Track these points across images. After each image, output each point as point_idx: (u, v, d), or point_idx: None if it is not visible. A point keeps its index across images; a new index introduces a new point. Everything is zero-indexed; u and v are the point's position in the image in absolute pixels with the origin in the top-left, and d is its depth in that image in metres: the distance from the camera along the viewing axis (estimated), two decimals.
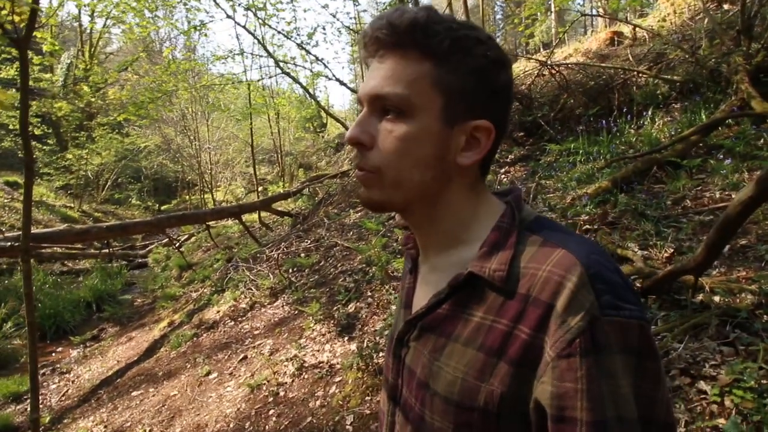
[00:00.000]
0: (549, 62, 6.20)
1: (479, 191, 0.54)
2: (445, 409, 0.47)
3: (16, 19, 1.61)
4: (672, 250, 2.51)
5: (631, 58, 6.15)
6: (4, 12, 1.59)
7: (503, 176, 4.90)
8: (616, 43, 7.87)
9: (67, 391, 3.99)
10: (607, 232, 2.88)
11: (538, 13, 6.86)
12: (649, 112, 4.62)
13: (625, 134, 4.54)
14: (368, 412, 2.36)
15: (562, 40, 9.64)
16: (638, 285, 2.26)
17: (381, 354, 2.68)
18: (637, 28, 7.27)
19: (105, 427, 3.11)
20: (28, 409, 3.53)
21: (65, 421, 3.40)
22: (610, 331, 0.40)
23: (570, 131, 5.28)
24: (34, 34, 1.60)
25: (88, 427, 3.16)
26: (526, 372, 0.43)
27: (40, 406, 3.01)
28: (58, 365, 4.60)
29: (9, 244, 4.38)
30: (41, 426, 2.51)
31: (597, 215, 3.10)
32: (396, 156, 0.48)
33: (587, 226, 3.02)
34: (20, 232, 2.32)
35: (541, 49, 14.93)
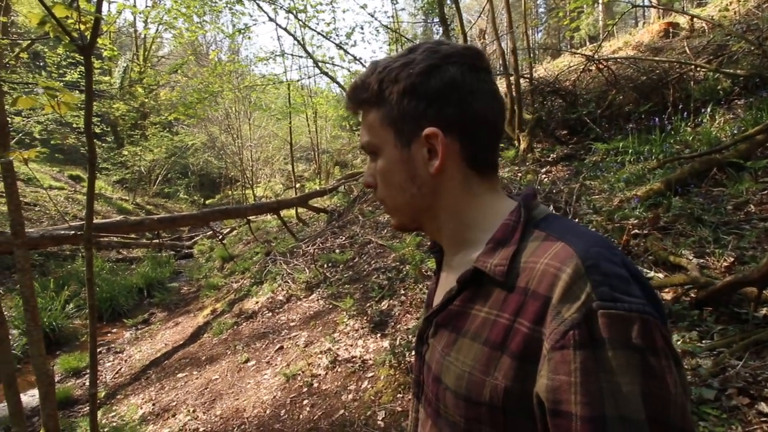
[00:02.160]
0: (596, 57, 5.91)
1: (477, 192, 0.55)
2: (456, 403, 0.49)
3: (82, 27, 1.73)
4: (732, 259, 2.33)
5: (688, 51, 5.74)
6: (70, 21, 1.71)
7: (544, 176, 4.73)
8: (671, 35, 7.38)
9: (120, 369, 4.30)
10: (659, 238, 2.72)
11: (585, 5, 6.55)
12: (709, 109, 4.31)
13: (681, 133, 4.26)
14: (400, 409, 2.37)
15: (611, 33, 9.16)
16: (692, 295, 2.13)
17: (413, 352, 2.68)
18: (695, 19, 6.77)
19: (153, 404, 3.32)
20: (87, 383, 3.84)
21: (118, 396, 3.67)
22: (607, 324, 0.39)
23: (618, 129, 5.02)
24: (97, 40, 1.73)
25: (138, 404, 3.39)
26: (529, 367, 0.43)
27: (97, 381, 3.26)
28: (113, 345, 4.96)
29: (73, 232, 4.77)
30: (98, 400, 2.72)
31: (648, 219, 2.93)
32: (383, 188, 0.58)
33: (636, 231, 2.86)
34: (83, 222, 2.52)
35: (587, 43, 14.26)
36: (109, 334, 5.35)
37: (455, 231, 0.56)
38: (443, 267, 0.63)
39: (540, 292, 0.43)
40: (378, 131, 0.55)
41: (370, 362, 2.87)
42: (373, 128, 0.56)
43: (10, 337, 1.85)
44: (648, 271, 2.49)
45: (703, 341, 1.87)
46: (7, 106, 1.74)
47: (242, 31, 7.11)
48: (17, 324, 4.55)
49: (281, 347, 3.56)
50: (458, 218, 0.56)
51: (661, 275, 2.42)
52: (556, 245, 0.45)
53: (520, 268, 0.47)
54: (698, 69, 4.97)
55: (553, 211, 0.55)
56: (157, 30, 14.95)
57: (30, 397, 3.49)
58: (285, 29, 7.10)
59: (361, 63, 7.24)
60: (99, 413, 2.98)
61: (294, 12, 6.60)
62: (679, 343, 1.86)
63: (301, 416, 2.59)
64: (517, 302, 0.45)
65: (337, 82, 7.84)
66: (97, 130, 11.17)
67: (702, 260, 2.40)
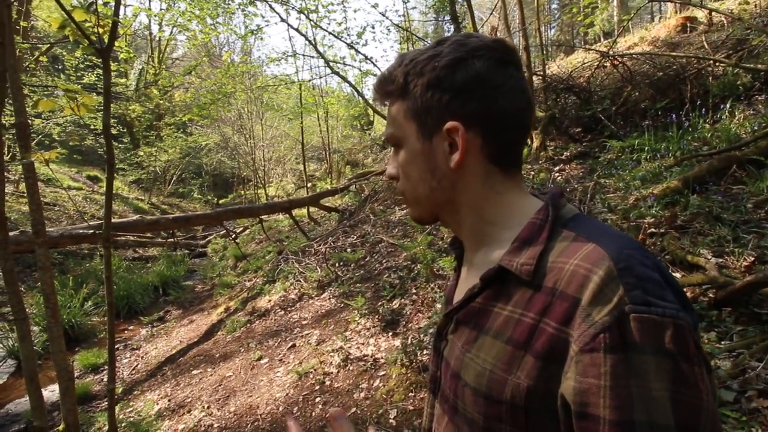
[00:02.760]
0: (611, 53, 5.81)
1: (499, 189, 0.54)
2: (475, 400, 0.48)
3: (100, 30, 1.77)
4: (753, 259, 2.27)
5: (706, 46, 5.61)
6: (88, 24, 1.75)
7: (557, 174, 4.68)
8: (688, 29, 7.21)
9: (137, 365, 4.39)
10: (676, 237, 2.66)
11: (599, 1, 6.44)
12: (728, 105, 4.20)
13: (699, 129, 4.17)
14: (411, 408, 2.38)
15: (626, 29, 8.99)
16: (711, 296, 2.08)
17: (425, 351, 2.68)
18: (713, 13, 6.61)
19: (169, 400, 3.38)
20: (105, 379, 3.94)
21: (135, 392, 3.75)
22: (639, 328, 0.38)
23: (634, 126, 4.93)
24: (114, 43, 1.76)
25: (155, 400, 3.45)
26: (554, 368, 0.42)
27: (115, 378, 3.34)
28: (130, 342, 5.07)
29: (92, 231, 4.89)
30: (115, 395, 2.80)
31: (664, 218, 2.87)
32: (404, 179, 0.58)
33: (652, 230, 2.80)
34: (102, 222, 2.58)
35: (602, 39, 14.02)
36: (125, 332, 5.47)
37: (476, 227, 0.56)
38: (464, 263, 0.63)
39: (569, 292, 0.43)
40: (401, 123, 0.56)
41: (382, 361, 2.88)
42: (397, 120, 0.56)
43: (31, 334, 1.90)
44: None
45: (722, 342, 1.83)
46: (28, 109, 1.79)
47: (254, 32, 7.18)
48: (38, 321, 4.68)
49: (294, 345, 3.59)
50: (479, 214, 0.55)
51: (678, 275, 2.37)
52: (587, 246, 0.45)
53: (547, 267, 0.46)
54: (717, 64, 4.85)
55: (581, 212, 0.53)
56: (171, 32, 15.23)
57: (50, 393, 3.59)
58: (297, 30, 7.15)
59: (372, 62, 7.25)
60: (116, 408, 3.05)
61: (306, 12, 6.65)
62: None
63: (313, 414, 2.61)
64: (544, 302, 0.44)
65: (349, 82, 7.87)
66: (114, 132, 11.41)
67: (721, 259, 2.35)
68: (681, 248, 2.49)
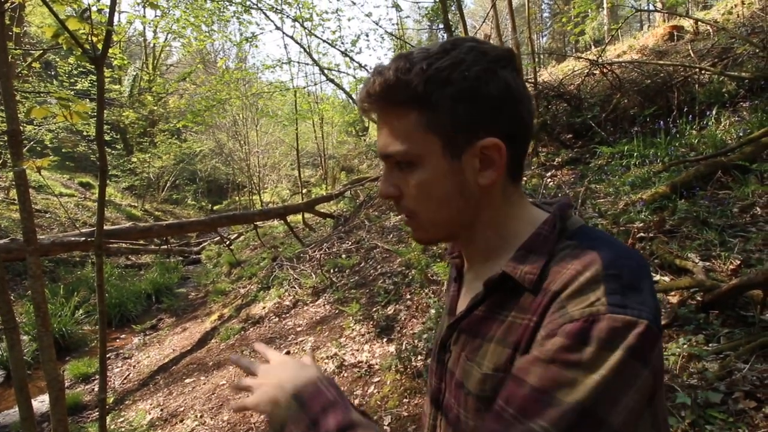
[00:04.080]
0: (600, 61, 5.92)
1: (513, 201, 0.53)
2: (478, 407, 0.48)
3: (94, 39, 1.78)
4: (738, 262, 2.32)
5: (692, 54, 5.73)
6: (82, 33, 1.77)
7: (549, 180, 4.73)
8: (675, 38, 7.37)
9: (128, 374, 4.34)
10: (665, 241, 2.70)
11: (589, 10, 6.57)
12: (714, 112, 4.29)
13: (686, 136, 4.25)
14: (406, 414, 2.38)
15: (615, 37, 9.15)
16: (698, 299, 2.11)
17: (419, 357, 2.68)
18: (699, 22, 6.76)
19: (161, 410, 3.34)
20: (96, 389, 3.89)
21: (126, 402, 3.70)
22: (610, 327, 0.38)
23: (623, 133, 5.01)
24: (108, 51, 1.78)
25: (147, 409, 3.41)
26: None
27: (106, 387, 3.30)
28: (122, 351, 5.01)
29: (83, 239, 4.85)
30: (106, 405, 2.77)
31: (653, 222, 2.92)
32: (421, 201, 0.51)
33: (642, 234, 2.85)
34: (94, 229, 2.56)
35: (592, 47, 14.24)
36: (117, 340, 5.41)
37: (490, 242, 0.54)
38: (466, 273, 0.62)
39: (553, 288, 0.44)
40: (419, 139, 0.49)
41: (377, 367, 2.88)
42: (412, 135, 0.49)
43: (21, 343, 1.88)
44: (654, 274, 2.48)
45: (710, 344, 1.86)
46: (20, 116, 1.79)
47: (249, 39, 7.22)
48: (27, 330, 4.61)
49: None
50: (496, 229, 0.54)
51: (666, 278, 2.40)
52: (585, 253, 0.45)
53: (548, 275, 0.47)
54: (703, 72, 4.96)
55: (586, 224, 0.53)
56: (166, 39, 15.23)
57: (40, 403, 3.53)
58: (291, 37, 7.20)
59: (367, 70, 7.31)
60: (108, 419, 3.01)
61: (300, 20, 6.70)
62: (685, 346, 1.85)
63: None
64: (538, 303, 0.45)
65: (343, 89, 7.92)
66: (107, 138, 11.36)
67: (708, 263, 2.39)
68: (669, 252, 2.54)
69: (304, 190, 11.96)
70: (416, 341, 2.84)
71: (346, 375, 2.91)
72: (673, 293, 2.24)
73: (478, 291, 0.54)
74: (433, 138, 0.48)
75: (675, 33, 7.45)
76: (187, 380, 3.76)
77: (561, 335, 0.40)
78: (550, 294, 0.44)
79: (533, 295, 0.46)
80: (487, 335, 0.50)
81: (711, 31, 6.50)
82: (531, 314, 0.46)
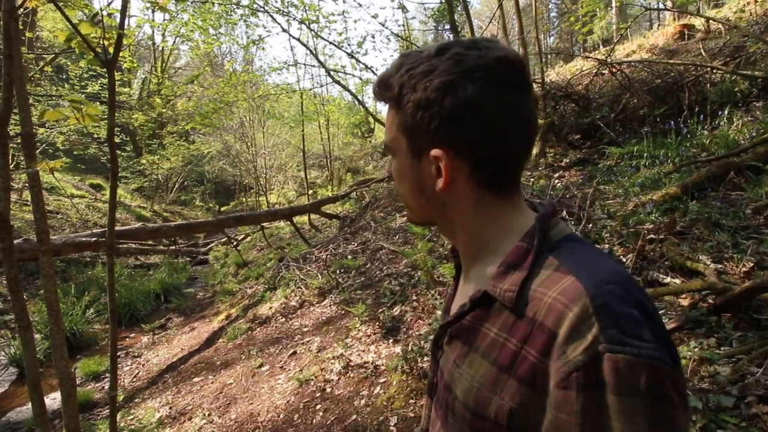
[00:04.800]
0: (609, 60, 5.87)
1: (491, 210, 0.53)
2: (463, 414, 0.50)
3: (105, 42, 1.81)
4: (752, 264, 2.28)
5: (704, 53, 5.66)
6: (93, 37, 1.80)
7: (557, 181, 4.70)
8: (686, 37, 7.28)
9: (138, 373, 4.39)
10: (675, 243, 2.67)
11: (597, 9, 6.52)
12: (726, 112, 4.23)
13: (697, 136, 4.19)
14: (412, 414, 2.37)
15: (624, 36, 9.06)
16: (710, 301, 2.08)
17: (426, 358, 2.68)
18: (710, 21, 6.67)
19: (170, 408, 3.37)
20: (106, 387, 3.93)
21: (136, 400, 3.74)
22: (613, 368, 0.38)
23: (633, 133, 4.96)
24: (119, 55, 1.80)
25: (156, 407, 3.45)
26: (535, 396, 0.43)
27: (117, 385, 3.34)
28: (131, 349, 5.06)
29: (95, 239, 4.92)
30: (117, 403, 2.80)
31: (663, 224, 2.88)
32: (397, 185, 0.59)
33: (652, 236, 2.81)
34: (105, 229, 2.60)
35: (601, 47, 14.13)
36: (127, 339, 5.47)
37: (470, 243, 0.56)
38: (462, 273, 0.63)
39: (547, 325, 0.43)
40: (394, 134, 0.55)
41: (383, 368, 2.88)
42: (391, 130, 0.55)
43: (34, 341, 1.91)
44: (664, 276, 2.45)
45: (722, 348, 1.83)
46: (33, 118, 1.82)
47: (256, 42, 7.28)
48: (40, 328, 4.69)
49: (294, 352, 3.59)
50: (471, 234, 0.55)
51: (677, 281, 2.37)
52: (566, 279, 0.44)
53: (529, 296, 0.46)
54: (714, 71, 4.89)
55: (572, 232, 0.53)
56: (174, 42, 15.42)
57: (52, 400, 3.59)
58: (298, 39, 7.24)
59: (373, 71, 7.33)
60: (118, 416, 3.05)
61: (307, 23, 6.74)
62: (696, 350, 1.82)
63: (314, 421, 2.61)
64: (525, 330, 0.45)
65: (349, 91, 7.94)
66: (117, 140, 11.42)
67: (720, 265, 2.35)
68: (680, 254, 2.50)
69: (310, 192, 12.01)
70: (422, 342, 2.84)
71: (352, 375, 2.91)
72: (684, 296, 2.21)
73: (466, 293, 0.56)
74: (402, 136, 0.54)
75: (686, 32, 7.36)
76: (195, 379, 3.79)
77: (573, 388, 0.39)
78: (545, 330, 0.43)
79: (515, 315, 0.47)
80: (473, 345, 0.51)
81: (723, 29, 6.41)
82: (516, 339, 0.46)
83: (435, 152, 0.50)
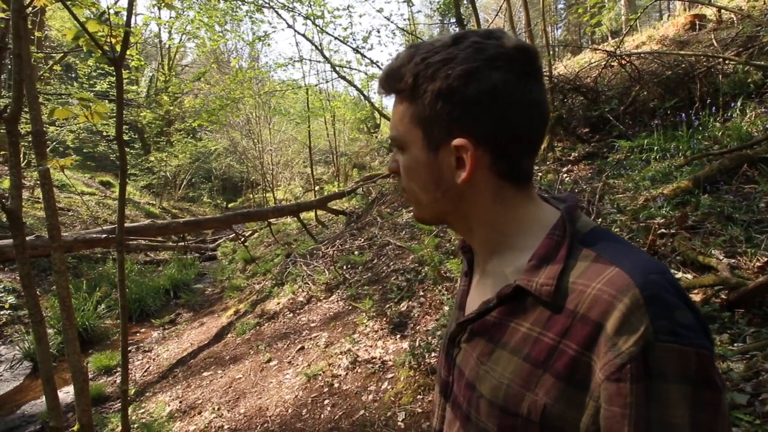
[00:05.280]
0: (618, 52, 5.77)
1: (510, 202, 0.52)
2: (490, 412, 0.49)
3: (112, 40, 1.82)
4: (766, 259, 2.24)
5: (715, 44, 5.54)
6: (101, 35, 1.80)
7: (566, 175, 4.65)
8: (697, 27, 7.13)
9: (148, 367, 4.45)
10: (687, 237, 2.63)
11: (606, 0, 6.41)
12: (738, 103, 4.14)
13: (709, 128, 4.11)
14: (420, 410, 2.38)
15: (634, 28, 8.91)
16: (723, 297, 2.05)
17: (433, 354, 2.68)
18: (722, 10, 6.52)
19: (180, 402, 3.42)
20: (118, 381, 4.00)
21: (147, 394, 3.80)
22: (664, 358, 0.38)
23: (643, 126, 4.89)
24: (126, 52, 1.81)
25: (166, 401, 3.50)
26: (573, 391, 0.43)
27: (128, 379, 3.39)
28: (142, 344, 5.14)
29: (105, 236, 4.98)
30: (128, 397, 2.84)
31: (675, 218, 2.84)
32: (407, 181, 0.56)
33: (663, 230, 2.77)
34: (115, 226, 2.63)
35: (609, 38, 13.91)
36: (137, 334, 5.55)
37: (488, 237, 0.55)
38: (476, 269, 0.62)
39: (591, 317, 0.42)
40: (406, 127, 0.52)
41: (390, 363, 2.88)
42: (402, 123, 0.53)
43: (47, 336, 1.94)
44: (676, 271, 2.42)
45: (735, 344, 1.81)
46: (43, 117, 1.84)
47: (262, 38, 7.28)
48: (52, 324, 4.77)
49: (302, 347, 3.62)
50: (491, 227, 0.54)
51: (689, 276, 2.34)
52: (609, 270, 0.43)
53: (568, 288, 0.45)
54: (727, 62, 4.79)
55: (597, 224, 0.52)
56: (180, 40, 15.47)
57: (65, 394, 3.66)
58: (303, 35, 7.23)
59: (378, 66, 7.29)
60: (129, 410, 3.10)
61: (312, 18, 6.71)
62: None
63: (322, 416, 2.63)
64: (564, 324, 0.44)
65: (355, 86, 7.92)
66: (126, 138, 11.54)
67: (733, 260, 2.32)
68: (692, 249, 2.46)
69: (317, 188, 12.03)
70: (430, 338, 2.84)
71: (359, 371, 2.93)
72: (696, 291, 2.18)
73: (486, 289, 0.55)
74: (416, 129, 0.51)
75: (697, 22, 7.21)
76: (205, 373, 3.84)
77: (626, 380, 0.39)
78: (588, 322, 0.43)
79: (551, 310, 0.46)
80: (500, 341, 0.50)
81: (735, 19, 6.27)
82: (553, 333, 0.45)
83: (459, 142, 0.49)
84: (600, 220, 3.21)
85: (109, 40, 1.80)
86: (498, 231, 0.54)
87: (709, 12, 7.19)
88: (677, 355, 0.38)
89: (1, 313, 5.40)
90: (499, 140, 0.49)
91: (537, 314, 0.47)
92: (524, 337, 0.48)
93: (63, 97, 9.46)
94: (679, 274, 2.38)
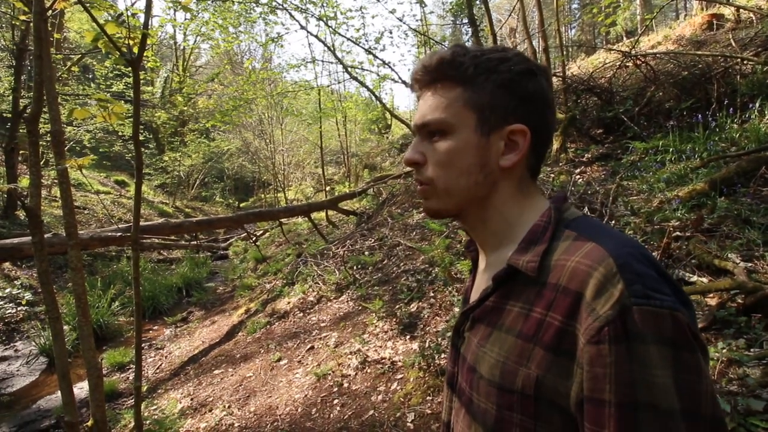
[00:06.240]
0: (633, 52, 5.68)
1: (527, 193, 0.58)
2: (489, 391, 0.52)
3: (130, 42, 1.85)
4: None
5: (734, 44, 5.42)
6: (118, 37, 1.84)
7: (579, 177, 4.59)
8: (714, 27, 6.98)
9: (161, 365, 4.52)
10: (702, 240, 2.58)
11: (621, 0, 6.31)
12: (757, 104, 4.04)
13: (726, 130, 4.02)
14: (429, 411, 2.37)
15: (649, 28, 8.77)
16: (739, 301, 2.00)
17: (443, 355, 2.67)
18: (741, 10, 6.38)
19: (191, 399, 3.47)
20: (131, 378, 4.07)
21: (159, 391, 3.86)
22: (640, 320, 0.41)
23: (658, 127, 4.80)
24: (144, 54, 1.85)
25: (178, 398, 3.55)
26: (562, 360, 0.45)
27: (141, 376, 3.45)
28: (154, 342, 5.22)
29: (120, 234, 5.07)
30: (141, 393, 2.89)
31: (690, 221, 2.78)
32: (443, 168, 0.57)
33: (678, 233, 2.72)
34: (130, 224, 2.67)
35: (624, 39, 13.69)
36: (150, 331, 5.64)
37: (499, 227, 0.58)
38: (481, 264, 0.66)
39: (571, 288, 0.46)
40: (458, 111, 0.55)
41: (400, 364, 2.88)
42: (452, 107, 0.55)
43: (63, 332, 1.98)
44: (691, 275, 2.37)
45: (751, 349, 1.76)
46: (62, 117, 1.89)
47: (275, 39, 7.35)
48: (68, 320, 4.88)
49: (312, 347, 3.64)
50: (504, 215, 0.58)
51: (705, 279, 2.29)
52: (587, 245, 0.48)
53: (551, 265, 0.49)
54: (745, 62, 4.68)
55: (586, 213, 0.57)
56: (195, 41, 15.71)
57: (79, 389, 3.73)
58: (316, 36, 7.27)
59: (390, 66, 7.31)
60: (141, 406, 3.15)
61: (324, 19, 6.76)
62: (724, 351, 1.76)
63: (331, 415, 2.64)
64: (549, 298, 0.48)
65: (366, 87, 7.94)
66: (141, 138, 11.80)
67: (750, 264, 2.26)
68: (708, 252, 2.41)
69: (328, 188, 12.08)
70: (439, 339, 2.83)
71: (369, 371, 2.93)
72: (711, 295, 2.13)
73: (487, 279, 0.58)
74: (469, 113, 0.55)
75: (714, 22, 7.06)
76: (216, 371, 3.88)
77: (605, 341, 0.42)
78: (569, 293, 0.46)
79: (538, 286, 0.50)
80: (496, 324, 0.54)
81: (754, 18, 6.13)
82: (541, 307, 0.48)
83: (518, 127, 0.55)
84: (613, 222, 3.16)
85: (127, 42, 1.84)
86: (508, 220, 0.58)
87: (728, 11, 7.03)
88: (652, 316, 0.41)
89: (19, 309, 5.54)
90: (539, 134, 0.56)
91: (527, 293, 0.51)
92: (516, 315, 0.51)
93: (80, 97, 9.67)
94: (694, 278, 2.33)
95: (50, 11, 1.79)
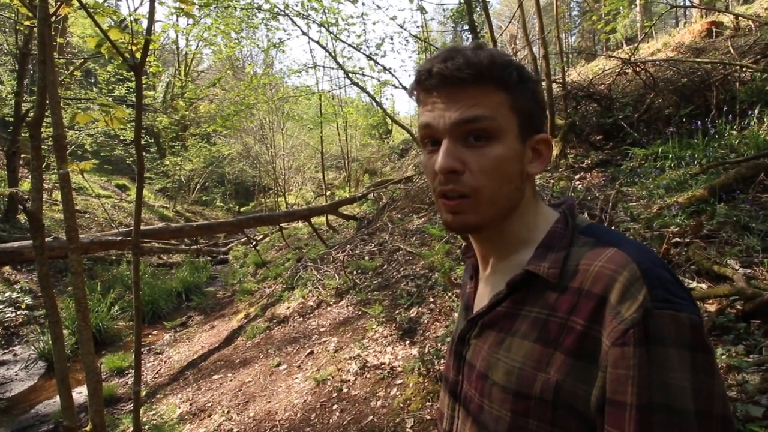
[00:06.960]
0: (633, 59, 5.72)
1: (537, 197, 0.60)
2: (503, 397, 0.51)
3: (133, 48, 1.87)
4: None
5: (732, 51, 5.46)
6: (121, 42, 1.86)
7: (578, 183, 4.60)
8: (714, 34, 7.03)
9: (160, 369, 4.50)
10: (702, 247, 2.58)
11: (621, 7, 6.37)
12: (756, 111, 4.07)
13: (726, 136, 4.04)
14: (428, 417, 2.36)
15: (649, 35, 8.83)
16: (739, 307, 2.00)
17: (442, 360, 2.66)
18: (740, 17, 6.43)
19: (190, 404, 3.45)
20: (130, 382, 4.05)
21: (158, 396, 3.84)
22: (662, 323, 0.42)
23: (657, 134, 4.83)
24: (147, 59, 1.86)
25: (177, 403, 3.53)
26: (583, 364, 0.45)
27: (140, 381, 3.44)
28: (154, 346, 5.20)
29: (120, 238, 5.08)
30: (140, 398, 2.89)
31: (689, 227, 2.79)
32: (491, 176, 0.51)
33: (677, 239, 2.73)
34: (130, 228, 2.68)
35: (624, 45, 13.78)
36: (150, 336, 5.62)
37: (518, 232, 0.57)
38: (481, 271, 0.64)
39: (595, 291, 0.46)
40: (503, 113, 0.52)
41: (399, 369, 2.87)
42: (498, 108, 0.51)
43: (63, 336, 1.98)
44: (690, 281, 2.37)
45: (751, 356, 1.76)
46: (64, 121, 1.90)
47: (276, 45, 7.40)
48: (67, 324, 4.87)
49: (312, 352, 3.63)
50: (524, 219, 0.58)
51: (704, 286, 2.29)
52: (608, 250, 0.49)
53: (572, 270, 0.50)
54: (744, 69, 4.71)
55: (594, 221, 0.59)
56: (197, 46, 15.80)
57: (78, 394, 3.71)
58: (317, 42, 7.32)
59: (391, 73, 7.35)
60: (140, 411, 3.14)
61: (326, 26, 6.81)
62: (724, 357, 1.76)
63: (331, 421, 2.63)
64: (571, 302, 0.48)
65: (367, 92, 7.98)
66: (142, 142, 11.84)
67: (749, 270, 2.26)
68: (707, 258, 2.42)
69: (328, 193, 12.10)
70: (439, 344, 2.82)
71: (368, 376, 2.92)
72: (711, 301, 2.13)
73: (498, 287, 0.57)
74: (513, 118, 0.53)
75: (713, 29, 7.12)
76: (215, 376, 3.87)
77: (630, 344, 0.43)
78: (593, 297, 0.46)
79: (558, 291, 0.50)
80: (510, 330, 0.53)
81: (753, 26, 6.18)
82: (561, 312, 0.48)
83: (543, 136, 0.56)
84: (613, 228, 3.16)
85: (129, 47, 1.86)
86: (526, 225, 0.58)
87: (727, 19, 7.09)
88: (673, 320, 0.42)
89: (18, 313, 5.53)
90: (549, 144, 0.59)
91: (545, 298, 0.51)
92: (534, 321, 0.51)
93: (82, 102, 9.72)
94: (694, 284, 2.33)
95: (54, 17, 1.81)
